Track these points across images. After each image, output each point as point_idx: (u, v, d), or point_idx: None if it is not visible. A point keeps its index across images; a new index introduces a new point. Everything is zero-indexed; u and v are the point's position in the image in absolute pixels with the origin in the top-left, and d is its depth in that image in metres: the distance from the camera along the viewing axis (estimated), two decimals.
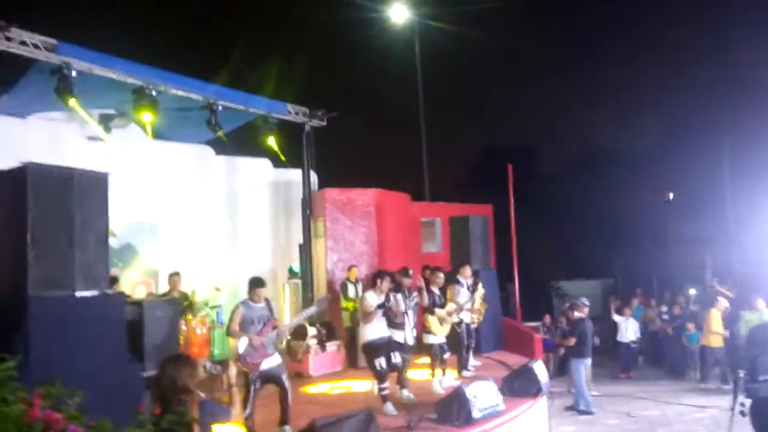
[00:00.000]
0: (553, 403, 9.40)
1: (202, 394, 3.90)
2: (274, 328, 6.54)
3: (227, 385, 4.20)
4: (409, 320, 7.95)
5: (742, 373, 3.94)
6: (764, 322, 8.87)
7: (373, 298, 7.52)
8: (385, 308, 7.56)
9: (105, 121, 10.47)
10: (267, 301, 6.65)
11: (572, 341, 10.09)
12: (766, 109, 18.62)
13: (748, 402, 3.98)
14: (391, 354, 7.42)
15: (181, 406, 3.52)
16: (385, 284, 7.59)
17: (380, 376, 7.29)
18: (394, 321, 7.79)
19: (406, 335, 7.91)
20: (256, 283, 6.57)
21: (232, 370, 4.24)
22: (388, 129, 24.00)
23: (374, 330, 7.44)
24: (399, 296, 7.85)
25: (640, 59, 26.44)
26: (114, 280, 8.04)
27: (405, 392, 7.82)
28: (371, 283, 7.91)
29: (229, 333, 6.53)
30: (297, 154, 12.29)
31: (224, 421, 4.06)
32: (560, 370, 12.52)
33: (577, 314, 10.41)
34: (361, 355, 9.59)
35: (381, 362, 7.30)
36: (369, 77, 23.02)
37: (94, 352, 5.22)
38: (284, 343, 9.24)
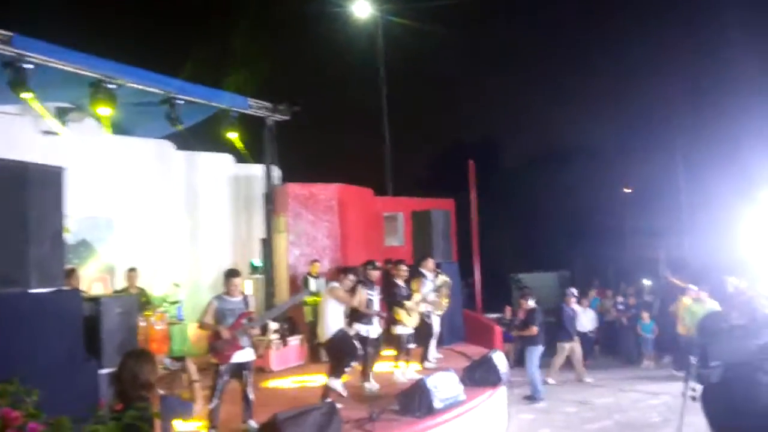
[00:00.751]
0: (512, 392, 9.59)
1: (162, 391, 3.87)
2: (250, 319, 6.54)
3: (188, 381, 4.18)
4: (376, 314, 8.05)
5: (693, 360, 4.08)
6: (713, 311, 9.17)
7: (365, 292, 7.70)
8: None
9: (61, 114, 10.24)
10: (244, 296, 6.68)
11: (534, 330, 10.24)
12: (717, 108, 19.23)
13: (699, 387, 4.12)
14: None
15: (143, 401, 3.50)
16: (348, 282, 7.62)
17: (340, 371, 7.27)
18: (361, 315, 7.85)
19: (372, 329, 7.97)
20: (230, 274, 6.62)
21: (192, 366, 4.22)
22: (351, 124, 24.05)
23: (336, 323, 7.45)
24: (366, 290, 7.92)
25: (599, 58, 27.05)
26: (71, 272, 7.87)
27: (367, 385, 7.88)
28: (335, 278, 7.92)
29: (200, 325, 6.53)
30: (259, 149, 12.20)
31: (186, 417, 4.04)
32: (520, 360, 12.74)
33: (529, 304, 10.62)
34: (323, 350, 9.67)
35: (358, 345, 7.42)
36: (332, 72, 23.01)
37: (50, 350, 5.13)
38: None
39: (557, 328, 11.84)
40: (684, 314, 11.04)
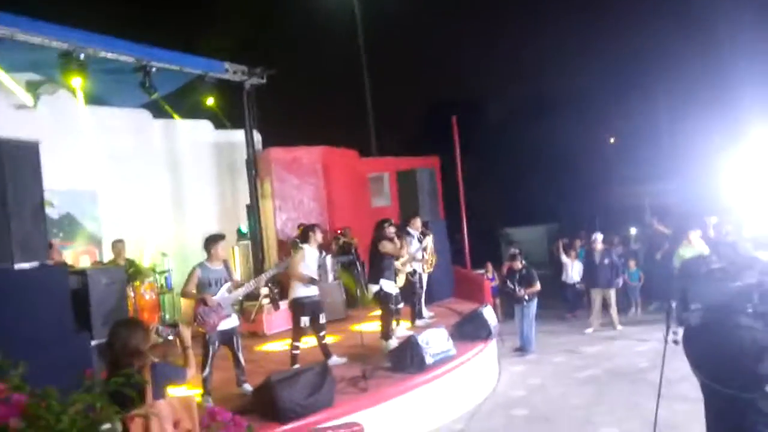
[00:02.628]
0: (503, 345, 9.72)
1: (155, 359, 3.88)
2: (237, 287, 6.54)
3: (181, 347, 4.19)
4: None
5: (674, 303, 4.12)
6: (698, 254, 9.23)
7: (311, 253, 7.47)
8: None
9: (32, 88, 10.03)
10: (225, 262, 6.61)
11: (538, 286, 10.27)
12: (698, 50, 19.15)
13: (680, 331, 4.17)
14: (319, 315, 7.41)
15: (133, 369, 3.52)
16: (319, 235, 7.59)
17: (299, 335, 7.32)
18: (387, 271, 8.07)
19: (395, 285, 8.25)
20: (214, 239, 6.49)
21: (186, 332, 4.23)
22: (331, 85, 23.75)
23: (304, 287, 7.36)
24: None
25: (578, 9, 26.71)
26: (49, 246, 7.80)
27: (385, 342, 8.03)
28: (303, 237, 7.75)
29: (183, 294, 6.50)
30: (239, 114, 12.05)
31: (180, 383, 4.05)
32: (509, 313, 12.86)
33: (519, 263, 10.57)
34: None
35: (305, 321, 7.31)
36: (309, 32, 22.59)
37: (38, 324, 5.11)
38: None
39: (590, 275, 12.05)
40: (676, 259, 11.05)
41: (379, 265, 8.22)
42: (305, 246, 7.51)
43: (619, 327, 11.61)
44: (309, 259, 7.44)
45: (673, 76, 21.74)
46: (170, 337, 4.26)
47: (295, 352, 7.26)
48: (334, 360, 7.32)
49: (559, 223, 23.51)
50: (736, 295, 3.66)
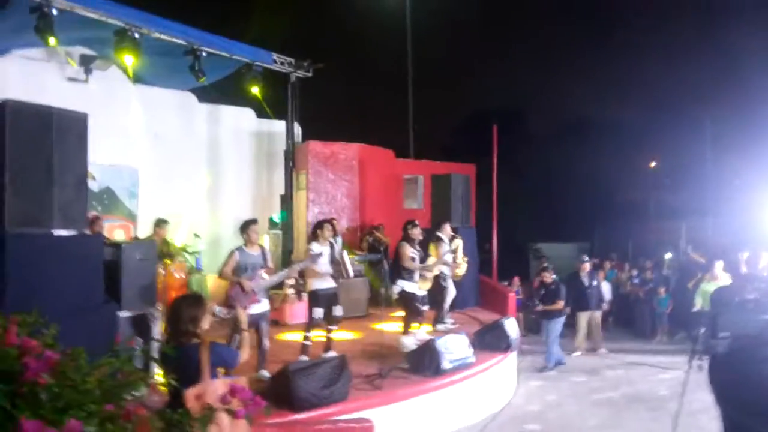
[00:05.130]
0: (524, 359, 9.65)
1: (213, 339, 3.85)
2: (271, 274, 6.66)
3: (238, 329, 4.13)
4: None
5: (702, 331, 4.07)
6: (725, 285, 9.04)
7: (320, 249, 7.34)
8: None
9: (86, 62, 10.29)
10: (262, 248, 6.73)
11: (561, 304, 10.21)
12: (748, 87, 18.74)
13: (706, 359, 4.11)
14: (333, 307, 7.35)
15: (192, 345, 3.53)
16: (327, 232, 7.48)
17: (310, 326, 7.29)
18: (405, 272, 8.08)
19: (417, 286, 8.26)
20: (247, 223, 6.63)
21: (242, 315, 4.22)
22: (375, 84, 23.83)
23: (320, 280, 7.32)
24: (410, 248, 8.27)
25: (631, 31, 26.33)
26: (96, 219, 8.06)
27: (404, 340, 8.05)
28: (312, 234, 7.69)
29: (221, 275, 6.60)
30: (281, 105, 12.21)
31: (232, 368, 3.88)
32: (533, 328, 12.76)
33: (550, 277, 10.54)
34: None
35: (319, 313, 7.26)
36: (358, 31, 22.70)
37: (70, 290, 5.25)
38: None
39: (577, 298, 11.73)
40: (698, 295, 10.83)
41: (398, 266, 8.27)
42: (313, 243, 7.42)
43: (603, 350, 11.45)
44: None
45: (721, 105, 21.30)
46: (226, 317, 4.24)
47: (306, 342, 7.23)
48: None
49: (591, 242, 23.19)
50: (765, 327, 3.60)
